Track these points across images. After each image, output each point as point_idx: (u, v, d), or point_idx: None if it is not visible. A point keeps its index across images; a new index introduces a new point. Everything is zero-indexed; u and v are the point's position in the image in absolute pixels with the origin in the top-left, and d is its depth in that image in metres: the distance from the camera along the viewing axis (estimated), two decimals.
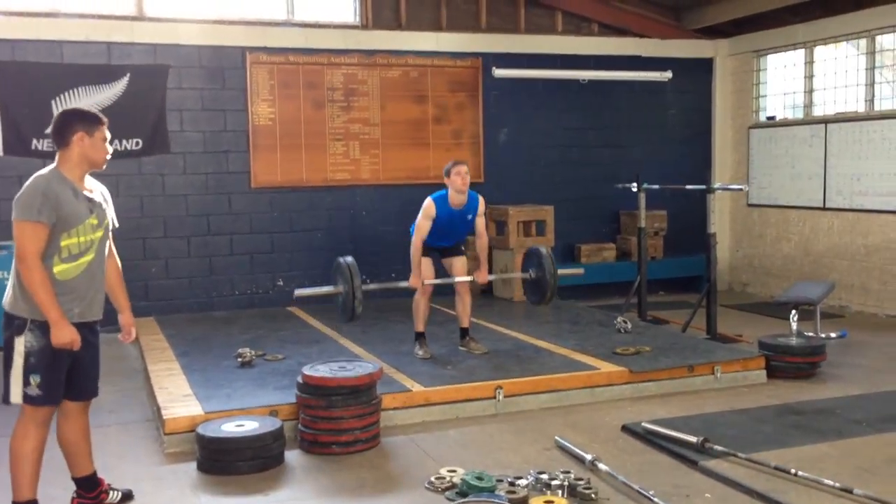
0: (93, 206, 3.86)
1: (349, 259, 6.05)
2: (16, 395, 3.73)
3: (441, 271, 6.57)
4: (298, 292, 6.29)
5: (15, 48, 8.07)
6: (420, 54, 9.44)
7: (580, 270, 7.16)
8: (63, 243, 3.72)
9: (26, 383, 3.70)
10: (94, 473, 4.11)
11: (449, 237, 6.45)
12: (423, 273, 6.36)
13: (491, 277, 6.68)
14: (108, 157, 3.96)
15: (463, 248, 6.70)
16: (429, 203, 6.32)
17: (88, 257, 3.82)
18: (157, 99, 8.50)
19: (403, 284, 6.40)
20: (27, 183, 3.74)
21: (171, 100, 8.58)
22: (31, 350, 3.69)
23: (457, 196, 6.30)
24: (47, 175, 3.77)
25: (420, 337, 6.52)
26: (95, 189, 3.96)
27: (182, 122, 8.67)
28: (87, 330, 3.86)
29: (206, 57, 8.72)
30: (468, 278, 6.48)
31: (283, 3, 9.10)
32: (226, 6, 8.90)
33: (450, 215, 6.33)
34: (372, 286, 6.42)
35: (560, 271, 6.54)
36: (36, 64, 8.08)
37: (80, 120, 3.86)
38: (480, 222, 6.49)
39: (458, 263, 6.54)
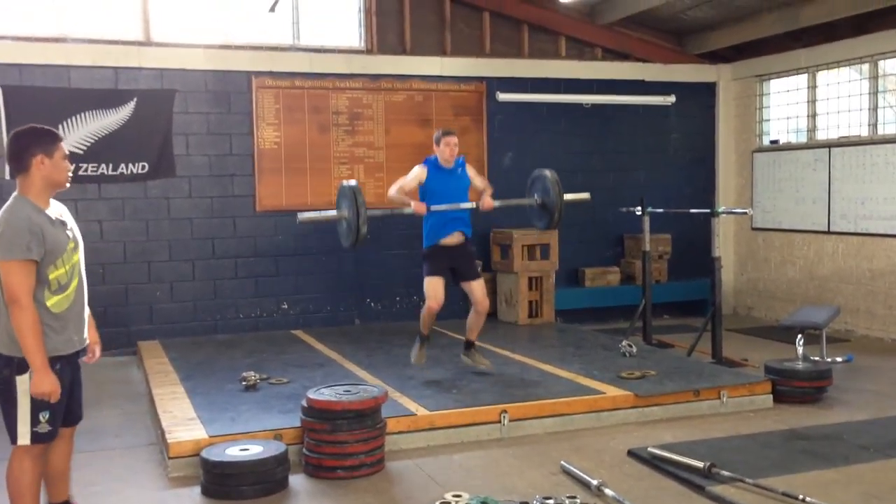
0: (66, 229, 3.71)
1: (353, 182, 6.16)
2: (23, 435, 3.57)
3: (450, 293, 6.57)
4: (302, 216, 6.35)
5: (23, 72, 8.13)
6: (424, 79, 9.49)
7: (586, 195, 7.07)
8: (51, 276, 3.57)
9: (35, 422, 3.56)
10: (69, 499, 4.04)
11: (452, 193, 6.49)
12: (434, 292, 6.39)
13: (496, 204, 6.67)
14: (70, 174, 3.75)
15: (479, 269, 6.75)
16: (420, 167, 6.54)
17: (74, 283, 3.70)
18: (164, 123, 8.55)
19: (408, 211, 6.41)
20: (3, 219, 3.53)
21: (178, 124, 8.63)
22: None
23: (444, 163, 6.55)
24: (22, 207, 3.56)
25: (424, 340, 6.59)
26: (61, 211, 3.77)
27: (188, 145, 8.71)
28: (73, 355, 3.78)
29: (212, 81, 8.77)
30: (471, 205, 6.51)
31: (289, 28, 9.18)
32: (232, 31, 8.97)
33: (447, 171, 6.53)
34: (377, 211, 6.45)
35: (566, 196, 6.59)
36: (43, 88, 8.14)
37: (38, 142, 3.60)
38: (480, 180, 6.77)
39: (477, 286, 6.54)
